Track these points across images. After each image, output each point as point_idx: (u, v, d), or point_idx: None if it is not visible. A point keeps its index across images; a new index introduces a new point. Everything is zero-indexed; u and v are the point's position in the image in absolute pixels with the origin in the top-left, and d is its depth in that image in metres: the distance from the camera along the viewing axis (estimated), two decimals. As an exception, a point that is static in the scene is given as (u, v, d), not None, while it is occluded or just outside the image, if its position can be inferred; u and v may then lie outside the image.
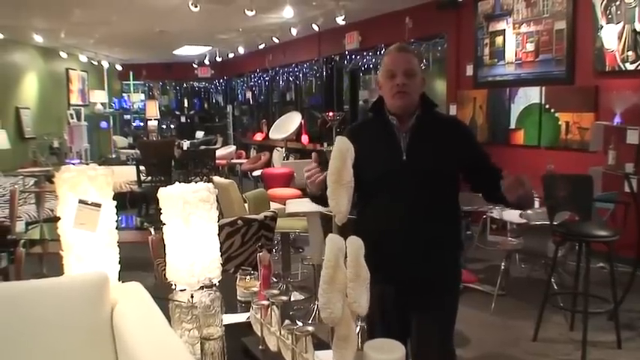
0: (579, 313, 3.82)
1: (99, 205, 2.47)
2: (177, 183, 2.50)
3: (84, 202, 2.46)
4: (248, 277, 2.40)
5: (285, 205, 4.93)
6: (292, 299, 4.85)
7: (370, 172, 2.30)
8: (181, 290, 2.50)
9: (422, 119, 2.34)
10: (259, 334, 1.92)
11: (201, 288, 2.20)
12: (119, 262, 2.61)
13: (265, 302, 1.88)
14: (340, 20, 7.52)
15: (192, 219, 2.41)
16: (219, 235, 3.50)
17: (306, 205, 4.18)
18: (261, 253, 2.33)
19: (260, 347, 1.89)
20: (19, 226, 5.30)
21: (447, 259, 2.39)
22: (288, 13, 7.15)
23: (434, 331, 2.35)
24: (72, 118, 11.69)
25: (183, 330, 2.36)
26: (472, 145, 2.44)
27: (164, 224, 2.50)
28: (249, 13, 6.77)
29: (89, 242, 2.48)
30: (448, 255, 2.39)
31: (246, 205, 4.94)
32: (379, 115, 2.40)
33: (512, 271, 5.38)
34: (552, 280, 4.33)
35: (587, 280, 3.68)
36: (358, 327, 1.98)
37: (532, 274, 5.25)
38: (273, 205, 5.28)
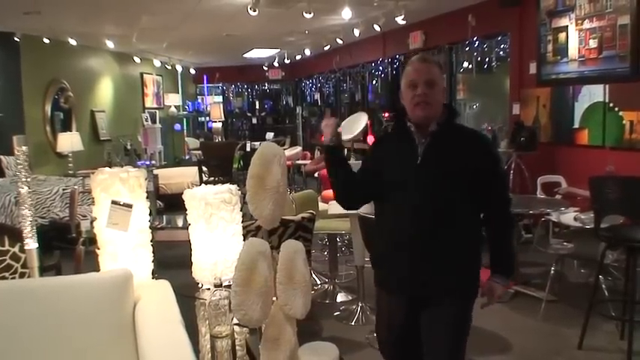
0: (626, 321, 3.64)
1: (130, 206, 2.59)
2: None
3: (116, 203, 2.58)
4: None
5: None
6: (338, 300, 4.88)
7: (387, 179, 2.38)
8: (207, 289, 2.58)
9: (444, 127, 2.33)
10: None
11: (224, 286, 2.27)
12: (153, 260, 2.74)
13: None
14: (400, 20, 7.44)
15: (213, 220, 2.48)
16: (255, 235, 3.58)
17: (347, 207, 4.19)
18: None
19: (259, 346, 1.94)
20: (85, 225, 5.57)
21: (460, 270, 2.32)
22: (346, 14, 7.15)
23: (442, 342, 2.30)
24: (146, 121, 12.16)
25: (207, 327, 2.44)
26: (488, 165, 2.36)
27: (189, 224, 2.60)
28: (307, 16, 6.82)
29: (122, 241, 2.61)
30: (461, 266, 2.32)
31: (294, 205, 5.00)
32: (400, 123, 2.43)
33: (570, 276, 5.18)
34: (603, 285, 4.16)
35: (633, 287, 3.51)
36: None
37: (590, 280, 5.02)
38: (324, 207, 5.32)
